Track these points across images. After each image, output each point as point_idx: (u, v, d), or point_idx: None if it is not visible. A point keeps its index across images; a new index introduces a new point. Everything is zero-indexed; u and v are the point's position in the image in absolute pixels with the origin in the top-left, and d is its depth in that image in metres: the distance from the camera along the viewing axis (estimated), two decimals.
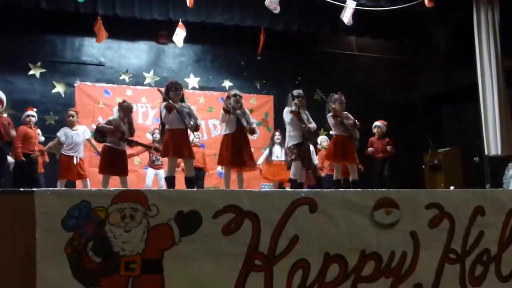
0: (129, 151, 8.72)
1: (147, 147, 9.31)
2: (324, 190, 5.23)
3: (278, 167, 10.02)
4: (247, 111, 8.04)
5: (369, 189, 5.21)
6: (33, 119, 9.28)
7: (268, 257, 4.51)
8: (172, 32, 11.13)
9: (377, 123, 10.36)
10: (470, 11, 11.23)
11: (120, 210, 4.18)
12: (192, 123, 7.33)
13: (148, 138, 10.77)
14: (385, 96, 12.63)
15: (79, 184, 9.47)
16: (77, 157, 9.01)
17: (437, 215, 5.09)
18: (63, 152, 9.11)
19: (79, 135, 9.12)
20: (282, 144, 9.92)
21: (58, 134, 9.15)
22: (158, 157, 9.93)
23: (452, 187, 9.22)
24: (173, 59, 12.86)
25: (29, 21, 11.11)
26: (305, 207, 4.65)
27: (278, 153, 10.12)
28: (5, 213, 4.16)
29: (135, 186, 8.55)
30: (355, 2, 10.48)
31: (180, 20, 11.02)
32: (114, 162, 8.04)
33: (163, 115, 7.30)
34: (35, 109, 9.46)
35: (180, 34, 11.01)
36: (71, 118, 9.20)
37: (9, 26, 11.07)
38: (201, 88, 12.83)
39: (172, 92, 7.41)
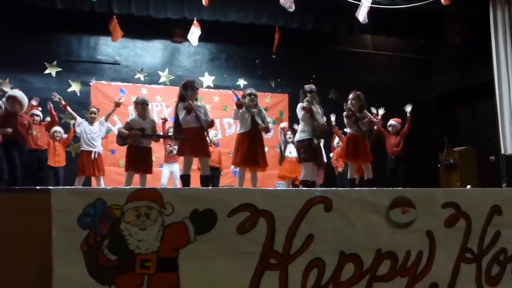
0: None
1: (167, 138, 9.38)
2: (340, 189, 5.20)
3: (294, 163, 10.01)
4: (263, 110, 8.05)
5: (385, 188, 5.18)
6: (37, 118, 9.34)
7: (283, 256, 4.49)
8: (187, 30, 11.16)
9: (391, 121, 10.37)
10: (486, 8, 11.17)
11: (136, 208, 4.19)
12: (208, 120, 7.39)
13: None
14: (400, 95, 12.55)
15: (94, 182, 9.52)
16: (95, 152, 9.07)
17: (453, 214, 5.05)
18: (81, 148, 9.19)
19: (96, 131, 9.18)
20: (294, 142, 9.93)
21: (77, 127, 9.23)
22: (175, 147, 9.97)
23: (468, 186, 9.17)
24: (188, 57, 12.88)
25: (45, 21, 11.19)
26: (320, 206, 4.63)
27: (292, 150, 10.10)
28: (22, 210, 4.18)
29: (150, 185, 8.56)
30: (371, 0, 10.43)
31: (195, 18, 11.03)
32: (137, 160, 8.15)
33: (181, 115, 7.34)
34: (40, 108, 9.50)
35: (195, 32, 11.03)
36: (93, 115, 9.30)
37: (25, 25, 11.17)
38: (216, 86, 12.83)
39: (190, 91, 7.46)
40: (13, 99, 8.04)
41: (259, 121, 7.71)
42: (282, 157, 10.41)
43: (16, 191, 4.56)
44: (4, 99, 8.19)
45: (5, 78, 10.69)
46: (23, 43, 11.27)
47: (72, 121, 10.38)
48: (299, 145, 8.10)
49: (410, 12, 11.04)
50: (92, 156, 9.09)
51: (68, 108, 9.41)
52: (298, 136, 8.18)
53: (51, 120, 9.43)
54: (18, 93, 8.17)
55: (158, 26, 11.83)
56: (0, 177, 7.92)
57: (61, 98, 9.42)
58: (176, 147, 9.84)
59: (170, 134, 9.41)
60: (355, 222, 4.74)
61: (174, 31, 12.39)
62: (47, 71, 11.66)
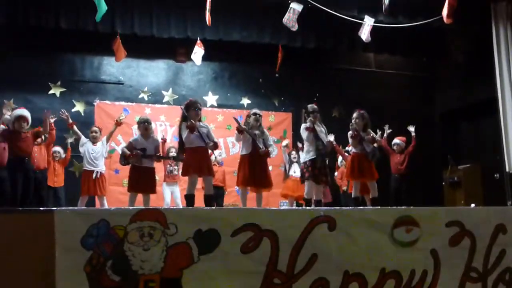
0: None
1: (168, 159, 9.39)
2: (343, 208, 5.19)
3: (297, 182, 9.99)
4: (266, 132, 8.07)
5: (389, 207, 5.18)
6: (38, 140, 9.35)
7: (287, 275, 4.48)
8: (190, 50, 11.19)
9: (396, 140, 10.37)
10: (489, 26, 11.18)
11: (139, 229, 4.19)
12: (211, 143, 7.41)
13: None
14: (404, 113, 12.56)
15: (97, 202, 9.52)
16: (97, 172, 9.06)
17: (458, 233, 5.04)
18: (84, 168, 9.19)
19: (99, 150, 9.18)
20: (299, 162, 9.94)
21: (81, 147, 9.23)
22: (175, 167, 9.97)
23: (472, 205, 9.13)
24: (192, 77, 12.91)
25: (49, 41, 11.25)
26: (324, 225, 4.63)
27: (296, 169, 10.09)
28: (25, 231, 4.18)
29: (154, 204, 8.57)
30: (373, 19, 10.48)
31: (198, 38, 11.07)
32: (140, 180, 8.14)
33: (184, 134, 7.36)
34: (41, 129, 9.52)
35: (198, 52, 11.06)
36: (94, 134, 9.28)
37: (29, 45, 11.23)
38: (220, 105, 12.85)
39: (192, 111, 7.49)
40: (23, 119, 8.06)
41: (261, 145, 7.73)
42: (286, 176, 10.39)
43: (19, 212, 4.57)
44: (10, 117, 8.17)
45: (9, 99, 10.73)
46: (27, 63, 11.32)
47: (70, 141, 10.39)
48: (304, 166, 8.10)
49: (413, 30, 11.08)
50: (94, 175, 9.07)
51: (74, 127, 9.42)
52: (303, 157, 8.20)
53: (49, 134, 9.43)
54: (26, 112, 8.19)
55: (162, 46, 11.88)
56: (4, 197, 7.91)
57: (68, 116, 9.44)
58: (176, 167, 9.87)
59: (171, 154, 9.42)
60: (359, 241, 4.73)
61: (178, 51, 12.44)
62: (51, 91, 11.71)
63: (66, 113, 9.46)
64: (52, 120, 9.39)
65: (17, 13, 10.37)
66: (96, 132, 9.33)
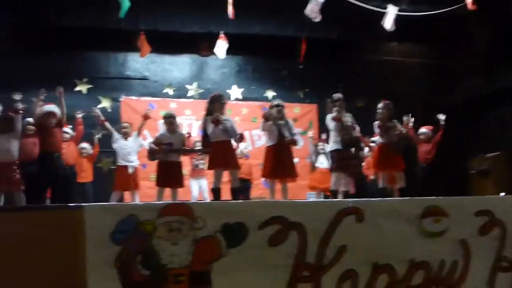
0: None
1: (194, 152, 9.43)
2: (371, 199, 5.17)
3: (324, 174, 9.99)
4: (290, 121, 8.05)
5: (417, 197, 5.15)
6: (66, 136, 9.43)
7: (315, 268, 4.48)
8: (213, 44, 11.21)
9: (422, 129, 10.29)
10: (511, 12, 11.04)
11: (167, 223, 4.22)
12: (237, 135, 7.43)
13: None
14: (427, 101, 12.45)
15: (127, 197, 9.60)
16: (132, 167, 9.13)
17: (487, 222, 4.99)
18: (117, 164, 9.26)
19: (131, 145, 9.24)
20: (326, 153, 9.93)
21: (114, 143, 9.30)
22: (201, 161, 9.99)
23: (502, 193, 9.03)
24: (216, 70, 12.94)
25: (73, 39, 11.33)
26: (352, 216, 4.62)
27: (323, 161, 10.07)
28: (56, 227, 4.23)
29: (182, 198, 8.61)
30: (397, 8, 10.39)
31: (221, 32, 11.08)
32: (167, 174, 8.20)
33: (209, 128, 7.39)
34: (70, 126, 9.59)
35: (221, 45, 11.08)
36: (124, 129, 9.35)
37: (54, 44, 11.34)
38: (244, 98, 12.87)
39: (217, 104, 7.51)
40: (52, 115, 8.09)
41: (286, 134, 7.71)
42: (313, 168, 10.37)
43: (50, 209, 4.63)
44: (40, 113, 8.21)
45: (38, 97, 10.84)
46: (54, 62, 11.41)
47: (97, 136, 10.48)
48: (331, 155, 8.10)
49: (436, 18, 10.96)
50: (130, 171, 9.14)
51: (106, 123, 9.50)
52: (330, 146, 8.20)
53: (77, 130, 9.52)
54: (56, 108, 8.23)
55: (185, 41, 11.92)
56: (34, 193, 7.99)
57: (100, 114, 9.53)
58: (202, 161, 9.90)
59: (196, 148, 9.45)
60: (387, 232, 4.71)
61: (201, 45, 12.46)
62: (77, 88, 11.83)
63: (97, 110, 9.54)
64: (80, 116, 9.48)
65: (42, 13, 10.52)
66: (126, 128, 9.40)
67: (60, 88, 8.25)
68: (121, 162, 9.19)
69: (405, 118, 9.33)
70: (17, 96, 8.04)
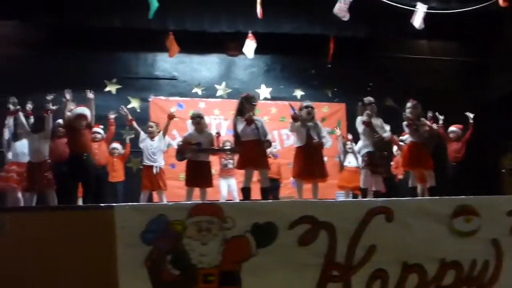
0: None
1: (223, 151, 9.44)
2: (400, 198, 5.14)
3: (352, 173, 9.95)
4: (319, 124, 8.04)
5: (447, 197, 5.10)
6: (98, 136, 9.50)
7: (345, 267, 4.48)
8: (242, 43, 11.22)
9: (452, 128, 10.18)
10: None
11: (197, 223, 4.25)
12: (266, 141, 7.45)
13: None
14: (459, 99, 12.31)
15: (155, 196, 9.65)
16: (156, 167, 9.17)
17: None
18: (143, 163, 9.32)
19: (157, 145, 9.29)
20: (354, 152, 9.91)
21: (140, 143, 9.36)
22: (230, 161, 10.00)
23: None
24: (244, 70, 12.95)
25: (103, 39, 11.44)
26: (382, 216, 4.60)
27: (351, 160, 10.04)
28: (87, 227, 4.28)
29: (211, 198, 8.63)
30: (426, 6, 10.29)
31: (249, 31, 11.09)
32: (197, 174, 8.22)
33: (239, 127, 7.41)
34: (101, 126, 9.66)
35: (250, 45, 11.08)
36: (150, 129, 9.39)
37: (84, 45, 11.44)
38: (273, 98, 12.86)
39: (248, 105, 7.54)
40: (83, 117, 8.15)
41: (314, 136, 7.70)
42: (341, 167, 10.34)
43: (81, 209, 4.69)
44: (71, 115, 8.28)
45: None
46: (83, 62, 11.52)
47: (128, 137, 10.55)
48: (362, 157, 8.09)
49: (466, 15, 10.83)
50: (154, 171, 9.18)
51: (134, 123, 9.56)
52: (362, 152, 8.18)
53: (109, 130, 9.60)
54: (87, 111, 8.29)
55: (214, 40, 11.95)
56: (65, 193, 8.06)
57: (128, 113, 9.60)
58: (231, 160, 9.91)
59: (225, 147, 9.46)
60: (417, 231, 4.68)
61: (229, 45, 12.48)
62: (107, 89, 11.94)
63: (125, 110, 9.62)
64: (112, 117, 9.57)
65: (71, 14, 10.61)
66: (152, 127, 9.44)
67: (91, 93, 8.32)
68: (146, 162, 9.23)
69: (429, 114, 9.27)
70: (49, 97, 8.12)
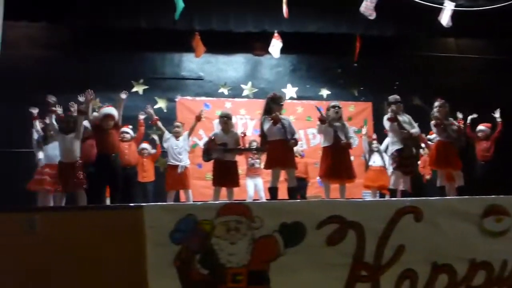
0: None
1: (249, 151, 9.46)
2: (429, 198, 5.11)
3: (378, 172, 9.94)
4: (346, 124, 8.02)
5: (476, 196, 5.06)
6: (127, 136, 9.55)
7: (374, 267, 4.46)
8: (267, 43, 11.22)
9: (481, 126, 10.10)
10: None
11: (225, 223, 4.26)
12: (292, 139, 7.44)
13: None
14: (488, 98, 12.18)
15: (182, 196, 9.70)
16: (181, 166, 9.21)
17: None
18: (168, 163, 9.37)
19: (182, 145, 9.33)
20: (379, 151, 9.88)
21: (165, 142, 9.41)
22: (257, 160, 10.02)
23: None
24: (270, 70, 12.96)
25: (129, 40, 11.53)
26: (410, 216, 4.58)
27: (376, 159, 10.01)
28: (116, 227, 4.32)
29: (237, 197, 8.65)
30: (454, 3, 10.20)
31: (275, 31, 11.09)
32: (224, 174, 8.25)
33: (266, 127, 7.42)
34: (130, 126, 9.72)
35: (276, 45, 11.08)
36: (177, 129, 9.44)
37: (111, 46, 11.53)
38: (299, 97, 12.85)
39: (275, 105, 7.55)
40: (111, 117, 8.21)
41: (342, 137, 7.68)
42: (366, 166, 10.31)
43: (110, 209, 4.72)
44: (98, 115, 8.33)
45: (95, 98, 11.06)
46: (110, 63, 11.63)
47: (155, 137, 10.61)
48: (391, 157, 8.06)
49: (494, 12, 10.71)
50: (179, 170, 9.22)
51: (158, 122, 9.62)
52: (390, 149, 8.14)
53: (139, 132, 9.67)
54: (114, 111, 8.34)
55: (239, 40, 11.96)
56: (93, 193, 8.12)
57: (153, 113, 9.66)
58: (258, 160, 9.93)
59: (251, 147, 9.47)
60: (446, 231, 4.65)
61: (255, 44, 12.49)
62: (134, 89, 12.01)
63: (150, 110, 9.68)
64: (142, 117, 9.63)
65: (98, 15, 10.71)
66: (178, 127, 9.49)
67: (124, 94, 8.41)
68: (171, 162, 9.28)
69: (461, 116, 9.21)
70: (81, 98, 8.21)
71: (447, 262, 4.61)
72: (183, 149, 9.35)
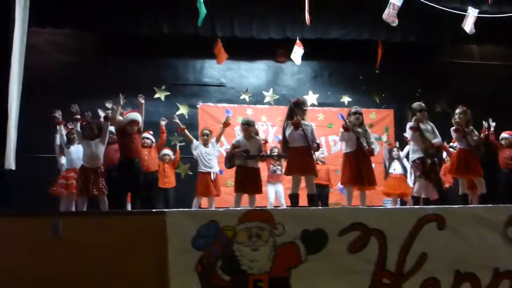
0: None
1: (271, 157, 9.47)
2: (452, 206, 5.08)
3: (398, 180, 9.90)
4: (368, 130, 7.99)
5: (500, 205, 5.01)
6: (148, 141, 9.59)
7: (396, 275, 4.45)
8: (289, 50, 11.22)
9: (504, 134, 10.00)
10: None
11: (247, 229, 4.28)
12: (314, 144, 7.43)
13: None
14: (510, 105, 12.09)
15: (203, 202, 9.71)
16: (213, 173, 9.25)
17: None
18: (199, 170, 9.38)
19: (211, 152, 9.37)
20: (400, 159, 9.85)
21: (194, 150, 9.45)
22: (278, 167, 10.02)
23: None
24: (292, 76, 12.97)
25: (152, 47, 11.62)
26: (433, 223, 4.57)
27: (396, 167, 9.97)
28: (138, 232, 4.35)
29: (258, 204, 8.65)
30: (477, 10, 10.14)
31: (297, 37, 11.09)
32: (246, 180, 8.24)
33: (288, 132, 7.42)
34: (151, 132, 9.76)
35: (298, 51, 11.07)
36: (205, 136, 9.48)
37: (133, 52, 11.62)
38: (320, 104, 12.84)
39: (299, 110, 7.56)
40: (135, 123, 8.24)
41: (364, 143, 7.65)
42: (386, 173, 10.27)
43: (133, 214, 4.75)
44: (123, 120, 8.36)
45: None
46: (133, 69, 11.71)
47: (179, 144, 10.65)
48: (413, 165, 8.02)
49: None
50: (212, 177, 9.26)
51: (186, 131, 9.65)
52: (411, 157, 8.11)
53: (161, 139, 9.71)
54: (139, 116, 8.37)
55: (262, 47, 11.99)
56: (115, 198, 8.15)
57: (180, 122, 9.70)
58: (279, 166, 9.93)
59: (273, 154, 9.47)
60: (470, 239, 4.63)
61: (277, 51, 12.52)
62: (156, 95, 12.09)
63: (177, 120, 9.72)
64: (164, 124, 9.68)
65: (121, 21, 10.82)
66: (207, 135, 9.51)
67: (142, 98, 8.45)
68: (203, 169, 9.30)
69: (485, 123, 9.14)
70: (108, 104, 8.27)
71: (471, 270, 4.58)
72: (213, 156, 9.39)
